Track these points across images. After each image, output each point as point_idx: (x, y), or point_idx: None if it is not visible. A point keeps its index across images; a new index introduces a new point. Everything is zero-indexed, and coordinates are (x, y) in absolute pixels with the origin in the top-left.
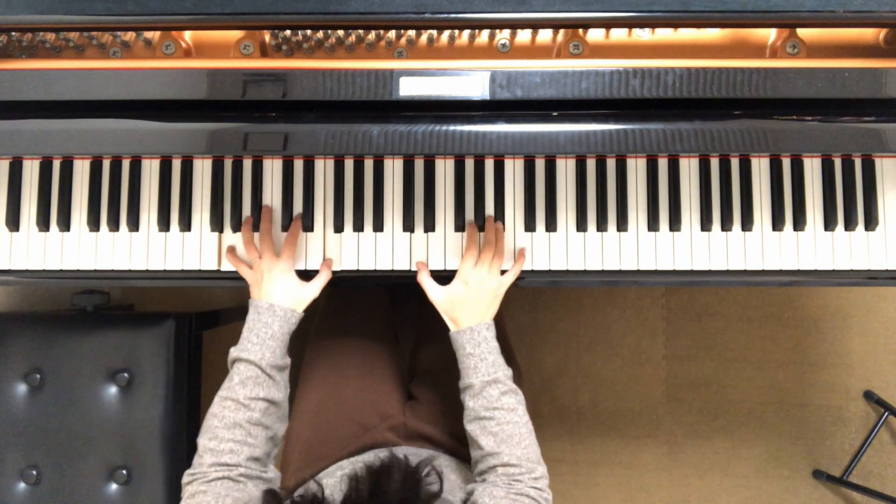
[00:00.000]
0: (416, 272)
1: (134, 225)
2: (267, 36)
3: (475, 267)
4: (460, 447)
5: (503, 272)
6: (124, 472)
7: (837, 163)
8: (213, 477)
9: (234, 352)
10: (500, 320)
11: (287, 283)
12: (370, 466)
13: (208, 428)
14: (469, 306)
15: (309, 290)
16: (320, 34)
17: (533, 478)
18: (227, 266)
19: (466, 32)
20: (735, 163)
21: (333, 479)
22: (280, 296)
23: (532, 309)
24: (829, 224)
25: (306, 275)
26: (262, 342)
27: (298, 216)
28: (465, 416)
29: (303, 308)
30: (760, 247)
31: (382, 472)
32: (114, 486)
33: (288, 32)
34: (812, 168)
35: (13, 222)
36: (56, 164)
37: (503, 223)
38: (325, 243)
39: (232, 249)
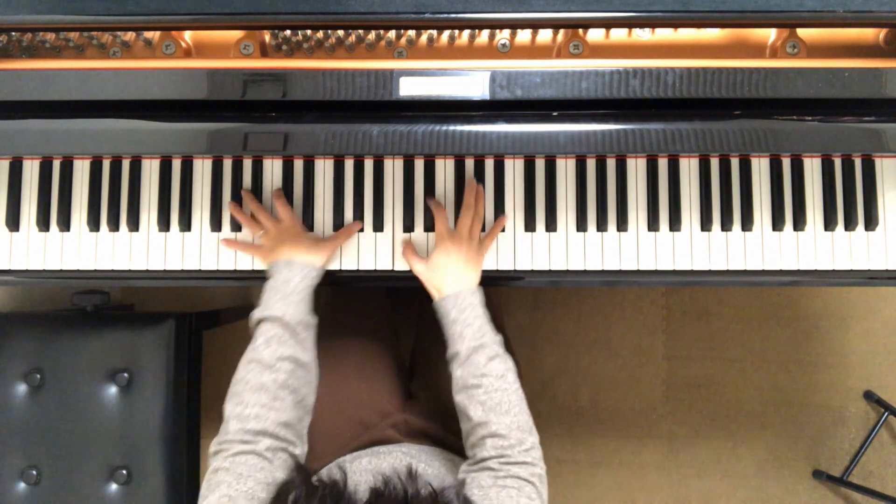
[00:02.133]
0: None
1: (134, 225)
2: (267, 36)
3: (453, 231)
4: (461, 444)
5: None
6: (124, 472)
7: (837, 163)
8: (237, 450)
9: (256, 313)
10: (499, 320)
11: (302, 240)
12: (393, 487)
13: (233, 393)
14: (450, 272)
15: (325, 246)
16: (320, 34)
17: (523, 449)
18: (226, 265)
19: (466, 32)
20: (735, 163)
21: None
22: (296, 252)
23: (532, 309)
24: (829, 224)
25: None
26: (283, 297)
27: (277, 191)
28: (454, 387)
29: (321, 262)
30: (760, 247)
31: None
32: (114, 486)
33: (288, 32)
34: (812, 168)
35: (13, 222)
36: (56, 164)
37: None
38: None
39: (228, 240)
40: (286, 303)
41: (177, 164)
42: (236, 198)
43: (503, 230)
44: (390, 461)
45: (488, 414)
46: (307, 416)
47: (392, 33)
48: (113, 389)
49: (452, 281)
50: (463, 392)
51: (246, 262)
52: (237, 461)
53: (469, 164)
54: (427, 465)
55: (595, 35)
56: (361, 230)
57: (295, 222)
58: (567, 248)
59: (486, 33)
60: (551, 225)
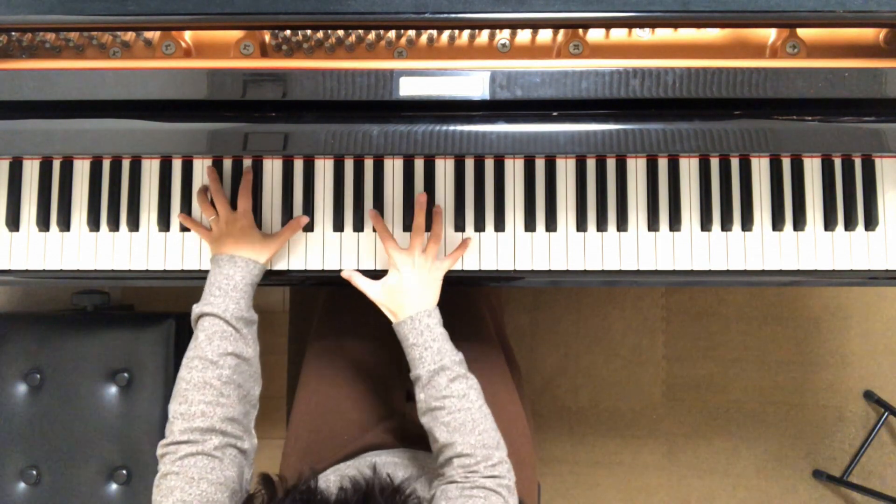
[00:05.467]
0: None
1: (134, 225)
2: (267, 36)
3: (406, 252)
4: None
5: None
6: (124, 472)
7: (837, 163)
8: (185, 452)
9: (196, 308)
10: (499, 320)
11: (248, 235)
12: (356, 483)
13: (178, 392)
14: (405, 294)
15: (271, 242)
16: (320, 34)
17: (490, 465)
18: None
19: (466, 32)
20: (735, 163)
21: (325, 484)
22: (241, 249)
23: (532, 309)
24: (829, 224)
25: (306, 275)
26: (224, 294)
27: (247, 168)
28: (418, 410)
29: (265, 259)
30: (760, 247)
31: (368, 492)
32: (114, 486)
33: (288, 32)
34: (812, 168)
35: (13, 222)
36: (56, 164)
37: (503, 223)
38: (324, 243)
39: (184, 216)
40: (227, 299)
41: (177, 164)
42: (236, 198)
43: (502, 230)
44: (366, 472)
45: (453, 434)
46: (253, 409)
47: (392, 33)
48: (113, 389)
49: (409, 303)
50: (427, 414)
51: None
52: (186, 464)
53: (469, 163)
54: (406, 472)
55: (595, 35)
56: (362, 230)
57: (248, 216)
58: (567, 248)
59: (486, 33)
60: (551, 225)
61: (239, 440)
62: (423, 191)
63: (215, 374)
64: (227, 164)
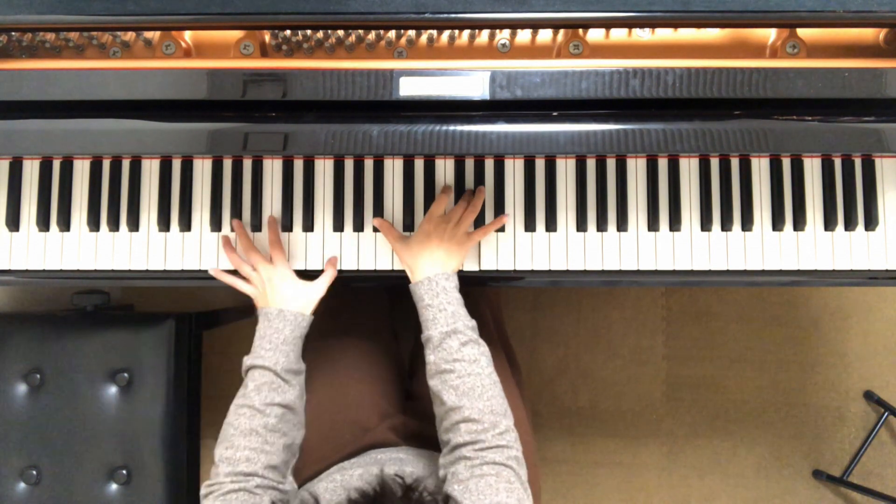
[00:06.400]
0: None
1: (134, 225)
2: (267, 36)
3: (442, 219)
4: None
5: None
6: (124, 472)
7: (837, 163)
8: (229, 489)
9: (247, 360)
10: (499, 319)
11: (291, 286)
12: (364, 493)
13: (224, 437)
14: (428, 254)
15: (315, 291)
16: (320, 34)
17: (497, 433)
18: (227, 265)
19: (466, 32)
20: (735, 163)
21: (333, 485)
22: (287, 301)
23: (532, 309)
24: (829, 224)
25: (306, 274)
26: (274, 347)
27: (272, 219)
28: (427, 372)
29: (311, 310)
30: (760, 247)
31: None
32: (114, 486)
33: (288, 32)
34: (812, 168)
35: (13, 222)
36: (56, 164)
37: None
38: (324, 243)
39: (219, 272)
40: (277, 352)
41: (177, 164)
42: (236, 198)
43: (503, 230)
44: (371, 470)
45: (461, 398)
46: (293, 458)
47: (392, 33)
48: (113, 389)
49: (429, 264)
50: (436, 377)
51: None
52: (228, 499)
53: (469, 163)
54: (413, 468)
55: (595, 35)
56: (362, 230)
57: (286, 265)
58: (567, 248)
59: (486, 33)
60: (551, 225)
61: (280, 483)
62: (422, 191)
63: (262, 423)
64: (228, 164)
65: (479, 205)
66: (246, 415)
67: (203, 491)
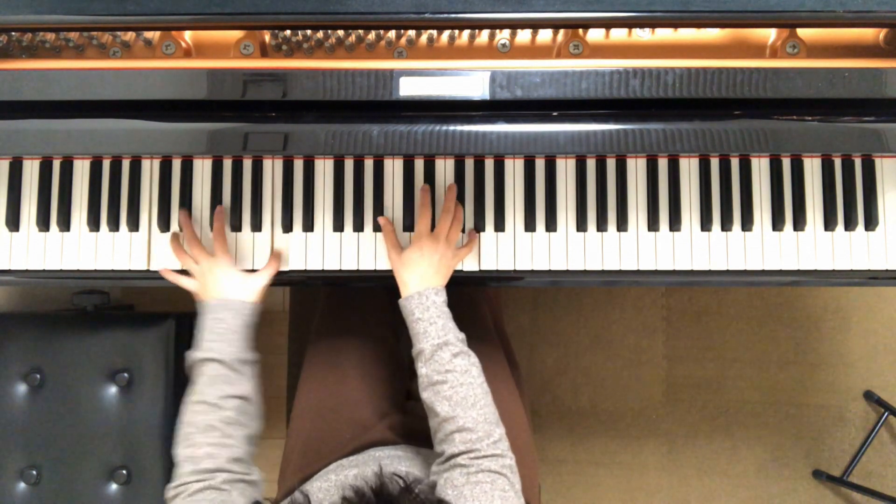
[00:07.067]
0: None
1: (134, 225)
2: (267, 36)
3: (432, 234)
4: None
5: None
6: (124, 472)
7: (837, 163)
8: (195, 489)
9: (192, 354)
10: (499, 320)
11: (231, 277)
12: (359, 491)
13: (183, 436)
14: (419, 270)
15: (257, 281)
16: (320, 34)
17: (491, 441)
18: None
19: (466, 32)
20: (735, 163)
21: (328, 483)
22: (227, 291)
23: (532, 309)
24: (829, 224)
25: (306, 274)
26: (220, 337)
27: (219, 208)
28: (420, 385)
29: (255, 298)
30: (760, 247)
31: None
32: (114, 486)
33: (288, 32)
34: (812, 168)
35: (13, 222)
36: (56, 164)
37: (503, 223)
38: (324, 243)
39: (167, 271)
40: (223, 342)
41: (177, 164)
42: (236, 198)
43: (503, 230)
44: (367, 470)
45: (455, 409)
46: (255, 448)
47: (392, 33)
48: (113, 389)
49: (419, 278)
50: (429, 389)
51: (246, 262)
52: (196, 499)
53: (469, 163)
54: (412, 466)
55: (595, 35)
56: (362, 230)
57: (227, 256)
58: (567, 248)
59: (486, 33)
60: (551, 225)
61: (246, 475)
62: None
63: (219, 417)
64: (228, 164)
65: (461, 214)
66: (202, 411)
67: (169, 493)
